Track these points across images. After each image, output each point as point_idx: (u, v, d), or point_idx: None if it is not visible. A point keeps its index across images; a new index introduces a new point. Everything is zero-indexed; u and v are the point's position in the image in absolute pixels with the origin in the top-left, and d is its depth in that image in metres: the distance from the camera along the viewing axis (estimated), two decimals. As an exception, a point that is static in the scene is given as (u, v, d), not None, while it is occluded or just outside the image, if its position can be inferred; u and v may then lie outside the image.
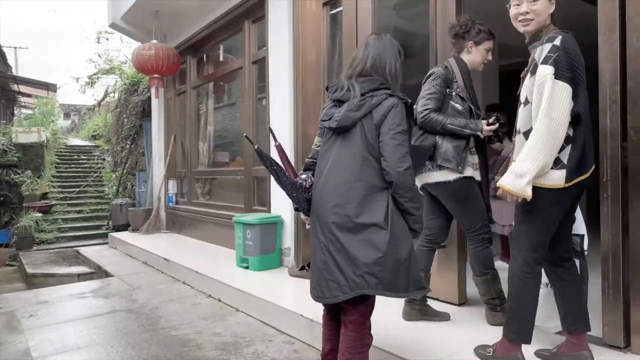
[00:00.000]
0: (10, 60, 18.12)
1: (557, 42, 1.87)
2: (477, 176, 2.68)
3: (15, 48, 22.53)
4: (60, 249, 7.75)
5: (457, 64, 2.72)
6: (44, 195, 9.50)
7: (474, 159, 2.68)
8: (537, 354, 2.27)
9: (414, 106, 2.48)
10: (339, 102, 2.08)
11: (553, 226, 2.01)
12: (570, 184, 1.91)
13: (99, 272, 5.69)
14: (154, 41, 6.63)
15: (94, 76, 10.55)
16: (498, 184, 1.93)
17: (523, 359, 2.12)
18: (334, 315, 2.19)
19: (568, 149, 1.89)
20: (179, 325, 3.37)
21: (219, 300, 3.96)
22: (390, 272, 1.92)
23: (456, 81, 2.68)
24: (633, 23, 2.22)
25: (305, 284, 2.16)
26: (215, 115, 7.07)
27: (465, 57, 2.76)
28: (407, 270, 1.97)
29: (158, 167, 7.65)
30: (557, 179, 1.89)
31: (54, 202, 9.53)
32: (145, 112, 8.62)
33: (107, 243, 7.53)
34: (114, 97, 10.82)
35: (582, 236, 2.33)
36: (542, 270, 2.13)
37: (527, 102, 1.95)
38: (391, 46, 2.11)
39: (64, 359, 2.85)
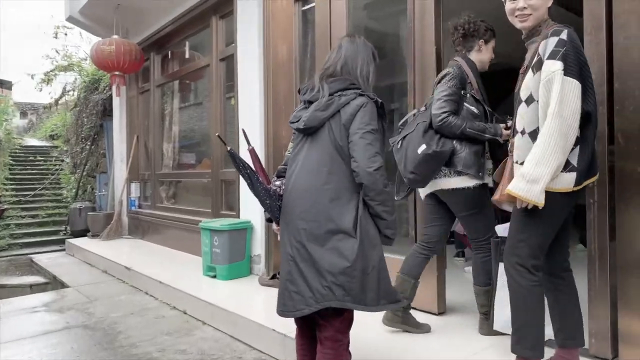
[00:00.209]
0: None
1: (564, 35, 1.74)
2: (491, 182, 2.57)
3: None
4: (13, 257, 7.28)
5: (467, 64, 2.58)
6: (-4, 200, 8.96)
7: (489, 164, 2.59)
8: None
9: (385, 106, 2.35)
10: (309, 103, 1.99)
11: (554, 232, 1.89)
12: (579, 187, 1.78)
13: (54, 283, 5.31)
14: (115, 36, 6.31)
15: (51, 73, 10.01)
16: (507, 190, 1.78)
17: None
18: (308, 330, 2.04)
19: (577, 150, 1.75)
20: (139, 342, 3.11)
21: (185, 313, 3.70)
22: (359, 283, 1.83)
23: (470, 82, 2.55)
24: (620, 21, 2.14)
25: (277, 293, 1.99)
26: (180, 115, 6.78)
27: (474, 56, 2.63)
28: (377, 282, 1.88)
29: (120, 169, 7.30)
30: (567, 182, 1.76)
31: (6, 207, 8.99)
32: (106, 111, 8.30)
33: (64, 250, 7.12)
34: (73, 95, 10.32)
35: None
36: None
37: (530, 100, 1.80)
38: (364, 48, 2.05)
39: (8, 386, 2.56)
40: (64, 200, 9.97)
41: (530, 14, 1.86)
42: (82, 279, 5.05)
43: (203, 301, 3.53)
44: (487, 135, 2.45)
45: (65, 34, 10.15)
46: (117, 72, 6.37)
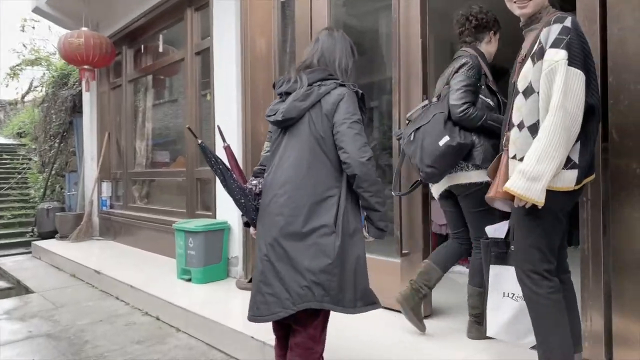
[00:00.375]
0: None
1: (568, 23, 1.63)
2: None
3: None
4: (-25, 261, 6.86)
5: (478, 55, 2.48)
6: (-43, 200, 8.50)
7: None
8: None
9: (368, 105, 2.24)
10: (286, 95, 1.91)
11: (561, 232, 1.78)
12: (580, 185, 1.68)
13: (18, 288, 5.01)
14: (85, 29, 6.01)
15: (17, 67, 9.57)
16: (505, 188, 1.66)
17: None
18: (287, 340, 1.90)
19: (578, 146, 1.64)
20: (108, 352, 2.90)
21: (157, 319, 3.50)
22: (338, 282, 1.75)
23: (484, 73, 2.44)
24: (614, 12, 2.06)
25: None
26: (154, 112, 6.53)
27: (484, 47, 2.54)
28: (355, 281, 1.78)
29: (90, 168, 7.00)
30: (569, 180, 1.64)
31: (-31, 207, 8.52)
32: (76, 108, 8.00)
33: (30, 252, 6.76)
34: (41, 90, 9.91)
35: None
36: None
37: (529, 91, 1.68)
38: (342, 41, 1.99)
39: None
40: (31, 200, 9.52)
41: (530, 0, 1.75)
42: (48, 284, 4.78)
43: (177, 306, 3.34)
44: None
45: (33, 27, 9.74)
46: (86, 66, 6.05)
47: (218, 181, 3.92)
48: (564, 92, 1.55)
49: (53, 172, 8.65)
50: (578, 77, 1.57)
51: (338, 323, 2.16)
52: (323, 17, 3.57)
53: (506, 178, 1.72)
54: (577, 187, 1.66)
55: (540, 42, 1.64)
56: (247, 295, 3.54)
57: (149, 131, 6.45)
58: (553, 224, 1.72)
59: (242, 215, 2.02)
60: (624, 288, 2.05)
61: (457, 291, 3.31)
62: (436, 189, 2.60)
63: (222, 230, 4.11)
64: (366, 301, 1.83)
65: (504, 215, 2.04)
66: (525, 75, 1.69)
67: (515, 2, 1.78)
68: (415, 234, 2.92)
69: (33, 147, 11.11)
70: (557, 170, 1.58)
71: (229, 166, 1.99)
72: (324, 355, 1.89)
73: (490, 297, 2.01)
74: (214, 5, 4.38)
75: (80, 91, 7.29)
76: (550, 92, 1.58)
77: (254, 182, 2.00)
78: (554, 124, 1.55)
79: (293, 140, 1.86)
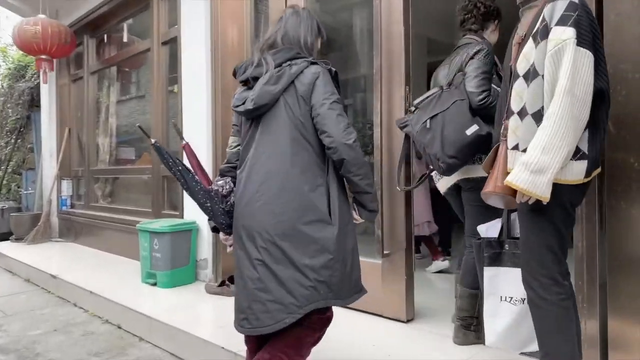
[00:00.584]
0: None
1: None
2: None
3: None
4: None
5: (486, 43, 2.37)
6: None
7: None
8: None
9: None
10: (253, 80, 1.74)
11: (571, 230, 1.64)
12: (589, 178, 1.53)
13: (-34, 295, 4.61)
14: (42, 16, 5.61)
15: (-31, 58, 9.01)
16: (506, 182, 1.49)
17: None
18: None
19: (586, 134, 1.49)
20: (61, 367, 2.63)
21: (119, 328, 3.22)
22: (340, 276, 1.67)
23: (495, 62, 2.31)
24: (611, -4, 1.95)
25: (227, 303, 1.70)
26: (119, 107, 6.19)
27: (488, 36, 2.47)
28: (351, 273, 1.73)
29: (49, 165, 6.59)
30: (578, 172, 1.49)
31: None
32: (34, 102, 7.57)
33: (-18, 256, 6.30)
34: (-4, 84, 9.38)
35: None
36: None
37: (531, 74, 1.51)
38: (308, 19, 1.86)
39: None
40: (-16, 200, 9.01)
41: None
42: (-1, 290, 4.41)
43: (140, 314, 3.08)
44: None
45: (-13, 16, 9.18)
46: (43, 56, 5.66)
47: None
48: (571, 75, 1.39)
49: (9, 170, 8.22)
50: (587, 58, 1.42)
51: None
52: (299, 3, 3.37)
53: (505, 171, 1.57)
54: (586, 180, 1.52)
55: (544, 20, 1.48)
56: (217, 300, 3.34)
57: (113, 126, 6.10)
58: (564, 220, 1.57)
59: (209, 220, 1.83)
60: (620, 289, 1.94)
61: (439, 293, 3.18)
62: (444, 183, 2.44)
63: (190, 231, 3.85)
64: (356, 289, 1.77)
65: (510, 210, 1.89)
66: (526, 56, 1.53)
67: None
68: (398, 233, 2.76)
69: (-13, 143, 10.55)
70: (564, 161, 1.44)
71: (189, 167, 1.82)
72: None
73: (486, 303, 1.86)
74: (182, -9, 4.13)
75: (39, 84, 6.86)
76: (557, 76, 1.42)
77: (220, 182, 1.83)
78: (560, 111, 1.40)
79: (268, 129, 1.71)
